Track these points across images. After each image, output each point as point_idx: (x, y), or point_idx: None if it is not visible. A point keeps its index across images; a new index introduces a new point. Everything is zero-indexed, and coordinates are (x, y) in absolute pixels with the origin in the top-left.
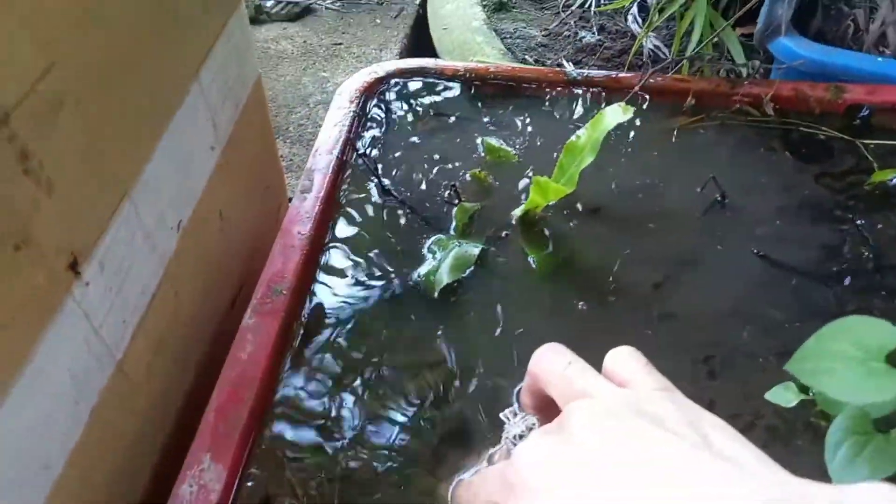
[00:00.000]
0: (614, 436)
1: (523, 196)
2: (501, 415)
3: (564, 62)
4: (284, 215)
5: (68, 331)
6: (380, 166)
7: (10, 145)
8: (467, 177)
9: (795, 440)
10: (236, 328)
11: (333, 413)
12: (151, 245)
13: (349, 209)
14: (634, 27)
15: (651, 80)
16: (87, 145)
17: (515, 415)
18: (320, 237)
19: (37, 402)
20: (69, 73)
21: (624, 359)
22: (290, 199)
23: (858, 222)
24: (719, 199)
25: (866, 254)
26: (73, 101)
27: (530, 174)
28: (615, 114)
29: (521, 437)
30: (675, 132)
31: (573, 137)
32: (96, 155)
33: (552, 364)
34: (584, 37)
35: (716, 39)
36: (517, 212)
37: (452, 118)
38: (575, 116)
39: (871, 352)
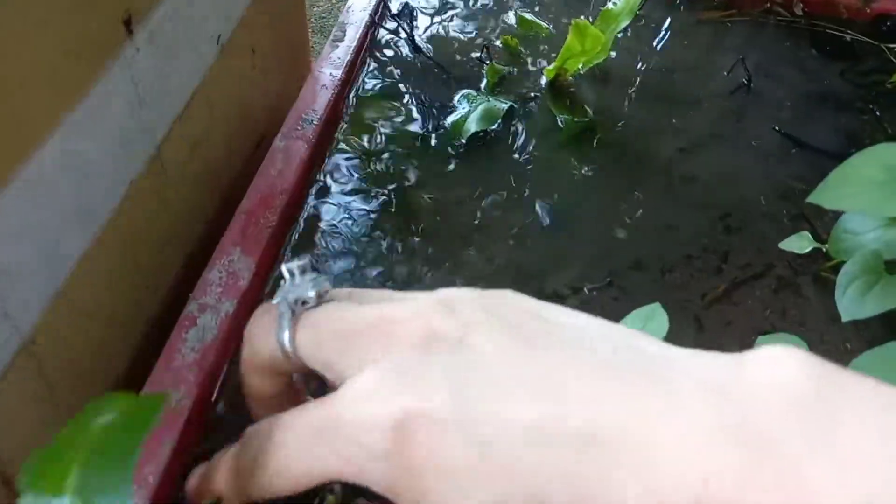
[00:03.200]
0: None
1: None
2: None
3: None
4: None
5: (118, 86)
6: (412, 24)
7: None
8: (498, 43)
9: (804, 290)
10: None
11: (359, 230)
12: (195, 43)
13: (380, 61)
14: None
15: None
16: None
17: (304, 272)
18: (351, 80)
19: (87, 138)
20: None
21: None
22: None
23: (878, 114)
24: (745, 82)
25: (884, 140)
26: None
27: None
28: None
29: (303, 303)
30: (703, 23)
31: (609, 5)
32: None
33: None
34: None
35: None
36: (550, 67)
37: None
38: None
39: (895, 174)
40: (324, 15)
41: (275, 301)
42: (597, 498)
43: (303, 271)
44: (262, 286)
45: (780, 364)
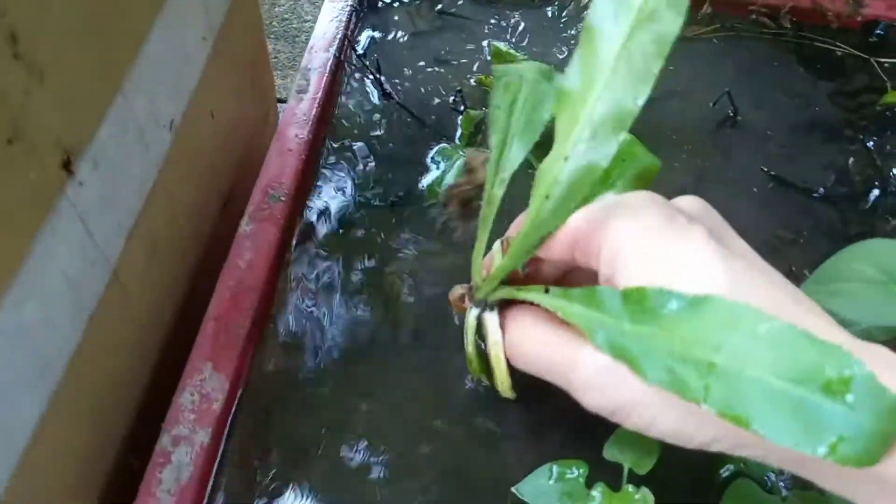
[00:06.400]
0: None
1: None
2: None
3: None
4: (273, 116)
5: (63, 233)
6: (380, 67)
7: None
8: (472, 82)
9: None
10: (227, 232)
11: (334, 321)
12: (145, 144)
13: (348, 112)
14: None
15: None
16: (82, 25)
17: None
18: (318, 141)
19: (34, 304)
20: None
21: None
22: (277, 99)
23: (868, 144)
24: (732, 114)
25: (874, 175)
26: None
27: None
28: None
29: None
30: (688, 41)
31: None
32: (90, 37)
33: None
34: None
35: None
36: None
37: (456, 18)
38: None
39: (892, 275)
40: (286, 16)
41: None
42: None
43: None
44: (232, 405)
45: None
